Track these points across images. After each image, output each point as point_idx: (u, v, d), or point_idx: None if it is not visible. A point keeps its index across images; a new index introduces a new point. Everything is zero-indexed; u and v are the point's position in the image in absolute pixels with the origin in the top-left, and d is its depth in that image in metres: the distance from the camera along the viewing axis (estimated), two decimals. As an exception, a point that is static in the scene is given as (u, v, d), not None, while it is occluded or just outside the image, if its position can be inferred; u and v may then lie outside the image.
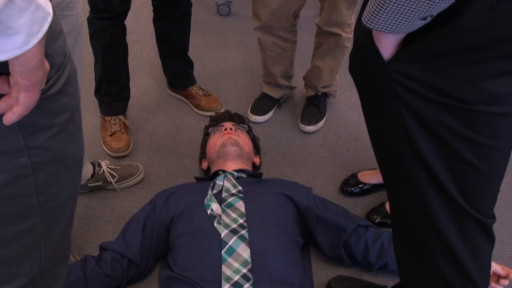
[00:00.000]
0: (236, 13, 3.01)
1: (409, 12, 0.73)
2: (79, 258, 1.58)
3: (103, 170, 1.81)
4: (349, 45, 2.02)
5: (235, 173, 1.63)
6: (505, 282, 1.29)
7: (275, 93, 2.25)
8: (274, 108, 2.28)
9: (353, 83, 2.44)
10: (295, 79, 2.36)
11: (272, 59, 2.09)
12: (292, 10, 1.89)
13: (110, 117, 2.04)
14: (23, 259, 0.82)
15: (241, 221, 1.42)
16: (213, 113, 2.15)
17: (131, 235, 1.51)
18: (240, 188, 1.54)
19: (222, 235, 1.37)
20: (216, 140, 1.78)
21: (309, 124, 2.17)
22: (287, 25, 1.95)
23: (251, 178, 1.67)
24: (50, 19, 0.54)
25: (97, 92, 2.02)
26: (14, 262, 0.81)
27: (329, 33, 1.95)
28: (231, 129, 1.81)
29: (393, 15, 0.75)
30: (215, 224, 1.41)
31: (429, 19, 0.75)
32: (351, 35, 1.97)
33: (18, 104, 0.58)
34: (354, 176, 1.94)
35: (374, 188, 1.91)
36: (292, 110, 2.32)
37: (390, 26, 0.78)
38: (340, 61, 2.08)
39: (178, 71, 2.22)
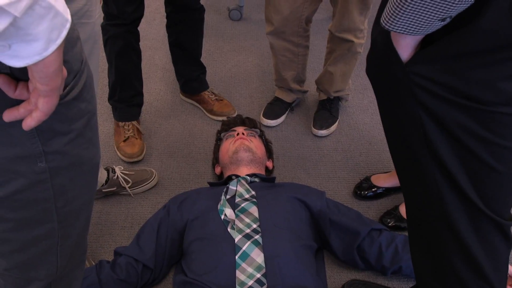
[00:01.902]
0: (247, 18, 3.02)
1: (428, 13, 0.73)
2: (93, 263, 1.59)
3: (117, 176, 1.82)
4: (362, 50, 2.01)
5: (248, 177, 1.63)
6: None
7: (287, 97, 2.25)
8: (287, 112, 2.28)
9: (365, 86, 2.45)
10: (307, 83, 2.36)
11: (284, 63, 2.09)
12: (305, 16, 1.89)
13: (123, 123, 2.06)
14: (40, 263, 0.82)
15: (254, 226, 1.42)
16: (225, 118, 2.16)
17: (145, 240, 1.52)
18: (253, 192, 1.54)
19: (236, 240, 1.38)
20: (228, 146, 1.79)
21: (321, 128, 2.17)
22: (299, 30, 1.95)
23: (264, 182, 1.67)
24: (68, 25, 0.54)
25: (110, 98, 2.04)
26: (31, 266, 0.82)
27: (341, 39, 1.94)
28: (243, 134, 1.81)
29: (412, 17, 0.75)
30: (228, 229, 1.42)
31: (448, 20, 0.75)
32: (363, 41, 1.97)
33: (37, 110, 0.58)
34: (367, 179, 1.93)
35: (388, 191, 1.90)
36: (305, 114, 2.32)
37: (409, 28, 0.78)
38: (352, 66, 2.08)
39: (190, 76, 2.23)
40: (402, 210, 1.78)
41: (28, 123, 0.59)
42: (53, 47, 0.54)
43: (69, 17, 0.54)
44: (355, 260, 1.57)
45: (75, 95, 0.66)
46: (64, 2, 0.53)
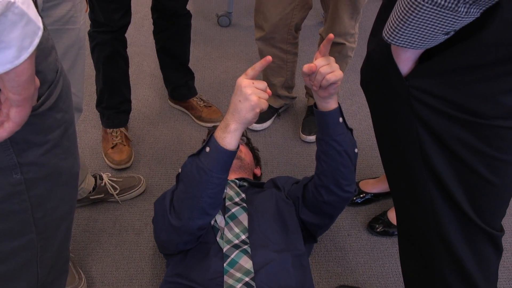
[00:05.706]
0: (236, 24, 3.02)
1: (433, 27, 0.72)
2: (81, 271, 1.58)
3: (105, 183, 1.81)
4: (352, 54, 2.02)
5: (237, 181, 1.63)
6: None
7: (274, 103, 2.25)
8: (273, 117, 2.28)
9: (354, 92, 2.46)
10: (296, 89, 2.36)
11: (272, 70, 2.09)
12: (294, 23, 1.89)
13: (111, 130, 2.05)
14: (21, 274, 0.82)
15: (243, 237, 1.41)
16: (214, 124, 2.15)
17: None
18: (243, 195, 1.53)
19: (224, 250, 1.37)
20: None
21: (310, 134, 2.17)
22: (288, 37, 1.95)
23: (254, 188, 1.66)
24: (40, 33, 0.54)
25: (98, 105, 2.03)
26: (12, 277, 0.81)
27: (332, 43, 1.95)
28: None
29: (416, 31, 0.74)
30: (217, 238, 1.41)
31: (452, 33, 0.74)
32: (354, 45, 1.98)
33: (9, 120, 0.58)
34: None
35: (376, 197, 1.90)
36: (293, 119, 2.32)
37: (412, 42, 0.76)
38: (342, 70, 2.08)
39: (178, 83, 2.23)
40: (391, 215, 1.78)
41: (0, 135, 0.58)
42: (25, 55, 0.53)
43: (41, 24, 0.54)
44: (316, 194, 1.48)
45: (50, 106, 0.65)
46: (35, 10, 0.53)
